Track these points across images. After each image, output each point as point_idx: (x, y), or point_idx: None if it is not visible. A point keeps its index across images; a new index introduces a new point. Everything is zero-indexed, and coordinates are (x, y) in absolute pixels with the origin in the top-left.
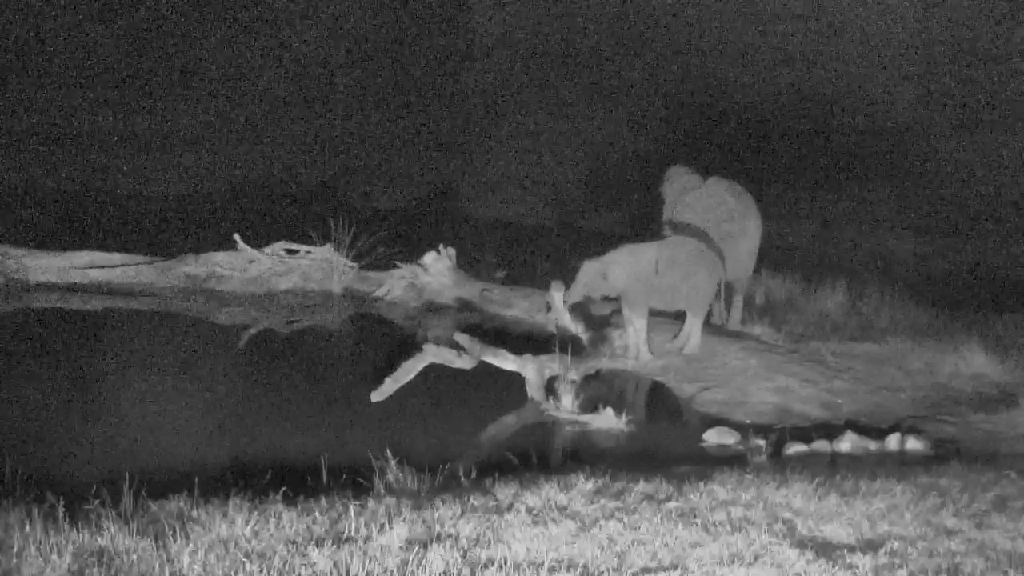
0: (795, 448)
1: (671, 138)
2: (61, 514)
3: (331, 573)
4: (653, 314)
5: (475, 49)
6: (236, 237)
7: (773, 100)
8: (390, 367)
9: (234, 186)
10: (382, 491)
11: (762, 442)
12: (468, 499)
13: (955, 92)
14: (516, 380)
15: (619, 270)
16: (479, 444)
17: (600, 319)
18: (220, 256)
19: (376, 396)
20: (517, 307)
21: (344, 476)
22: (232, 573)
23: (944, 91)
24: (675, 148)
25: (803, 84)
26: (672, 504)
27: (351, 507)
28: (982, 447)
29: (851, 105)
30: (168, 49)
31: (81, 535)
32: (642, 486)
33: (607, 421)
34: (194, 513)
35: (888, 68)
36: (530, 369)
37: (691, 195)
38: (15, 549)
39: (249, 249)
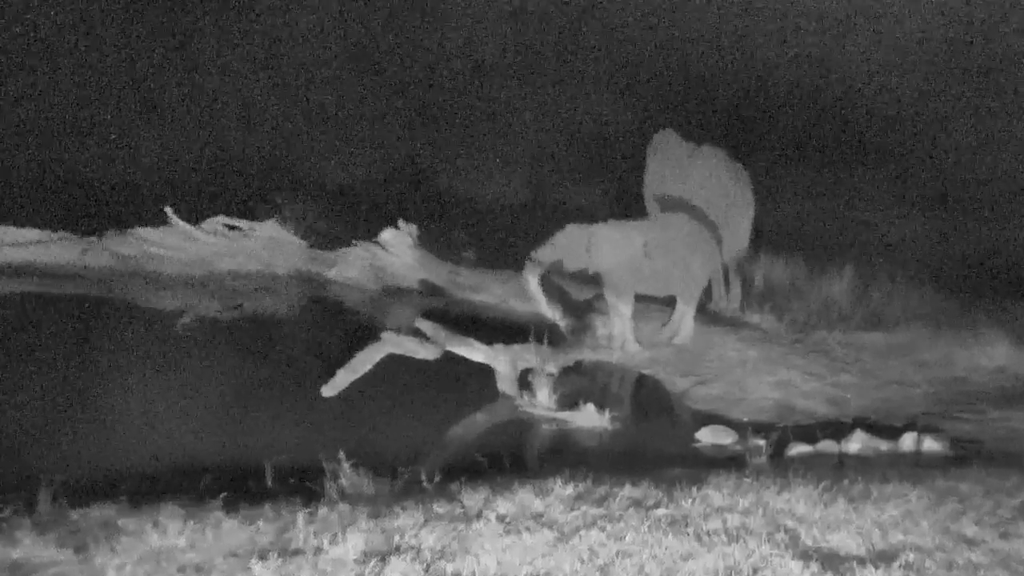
0: (798, 449)
1: (660, 108)
2: None
3: None
4: (640, 299)
5: (441, 9)
6: (168, 211)
7: (772, 69)
8: (344, 358)
9: (169, 156)
10: (335, 497)
11: (762, 442)
12: (432, 506)
13: (976, 63)
14: (486, 373)
15: (605, 248)
16: (445, 445)
17: (581, 305)
18: (151, 233)
19: (328, 390)
20: (488, 291)
21: (292, 480)
22: None
23: (964, 62)
24: (664, 119)
25: (805, 52)
26: (661, 511)
27: (300, 515)
28: (1005, 447)
29: (862, 75)
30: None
31: None
32: (628, 491)
33: (588, 419)
34: (121, 522)
35: (901, 39)
36: (502, 360)
37: (683, 166)
38: None
39: (183, 224)
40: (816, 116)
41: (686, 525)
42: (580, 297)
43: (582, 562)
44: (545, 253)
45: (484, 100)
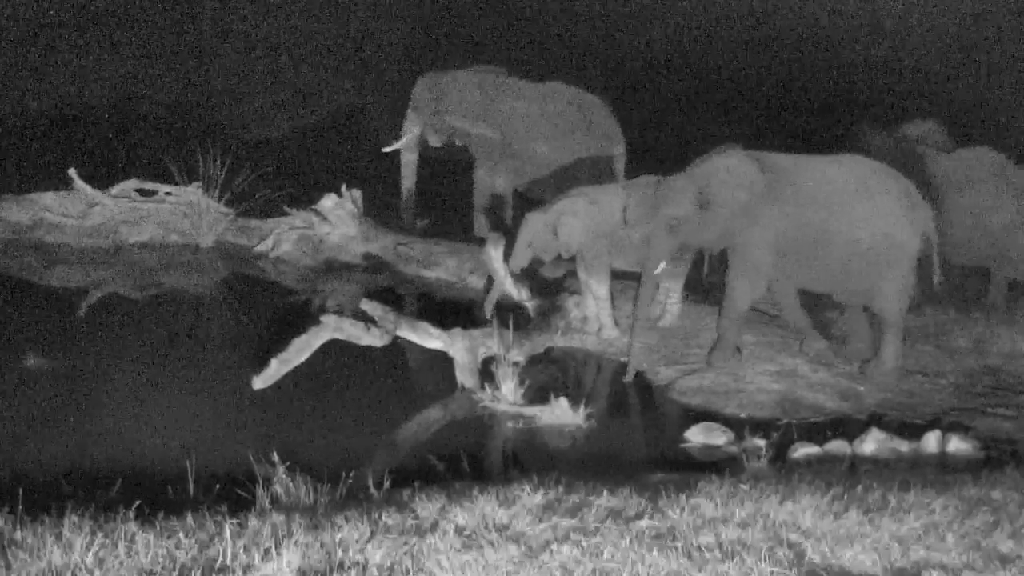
0: (804, 450)
1: (626, 42)
2: None
3: None
4: (618, 276)
5: None
6: (71, 173)
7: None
8: (277, 344)
9: (69, 107)
10: (267, 506)
11: (761, 442)
12: (380, 517)
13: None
14: (442, 362)
15: (573, 223)
16: (394, 446)
17: (552, 283)
18: (49, 198)
19: (259, 382)
20: (443, 266)
21: (218, 486)
22: None
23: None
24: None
25: None
26: (644, 523)
27: (227, 527)
28: None
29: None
30: None
31: None
32: (605, 500)
33: (560, 415)
34: (17, 535)
35: None
36: (460, 347)
37: (544, 109)
38: None
39: (89, 189)
40: (822, 60)
41: (673, 539)
42: (551, 274)
43: None
44: (518, 257)
45: (437, 42)
